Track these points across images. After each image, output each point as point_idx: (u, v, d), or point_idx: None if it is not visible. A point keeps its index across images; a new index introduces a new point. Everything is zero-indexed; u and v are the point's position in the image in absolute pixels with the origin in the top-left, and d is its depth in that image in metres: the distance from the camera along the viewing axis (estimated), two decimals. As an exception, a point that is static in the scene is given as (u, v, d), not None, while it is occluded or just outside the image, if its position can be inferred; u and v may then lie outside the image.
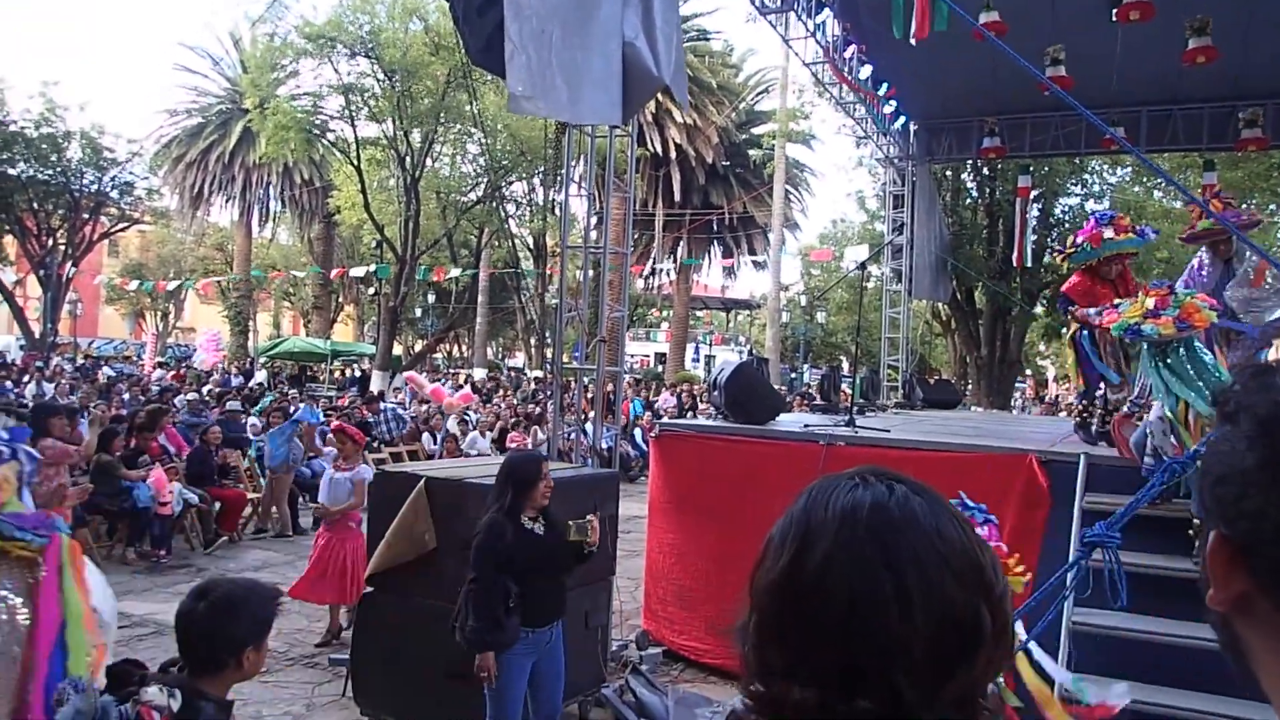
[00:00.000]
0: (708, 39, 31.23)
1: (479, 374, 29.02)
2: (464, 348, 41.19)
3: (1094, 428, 6.15)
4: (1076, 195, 21.48)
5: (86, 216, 26.68)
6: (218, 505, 9.77)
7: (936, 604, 0.86)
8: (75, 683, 2.22)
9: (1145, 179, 21.67)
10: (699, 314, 48.20)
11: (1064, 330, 7.46)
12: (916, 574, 0.86)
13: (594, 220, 6.87)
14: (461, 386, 20.90)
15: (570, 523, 4.23)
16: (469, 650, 3.96)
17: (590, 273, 7.42)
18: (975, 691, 0.89)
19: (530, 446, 13.51)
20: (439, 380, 21.76)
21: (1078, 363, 6.15)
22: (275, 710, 5.56)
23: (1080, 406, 6.43)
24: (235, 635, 2.38)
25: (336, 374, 27.39)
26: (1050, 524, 5.24)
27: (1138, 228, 6.19)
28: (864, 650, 0.85)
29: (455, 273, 26.05)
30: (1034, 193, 17.33)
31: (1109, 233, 5.95)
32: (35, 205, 25.64)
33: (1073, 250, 6.16)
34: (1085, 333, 5.95)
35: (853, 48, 11.37)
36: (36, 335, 26.80)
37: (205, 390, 18.88)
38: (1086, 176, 21.23)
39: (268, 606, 2.53)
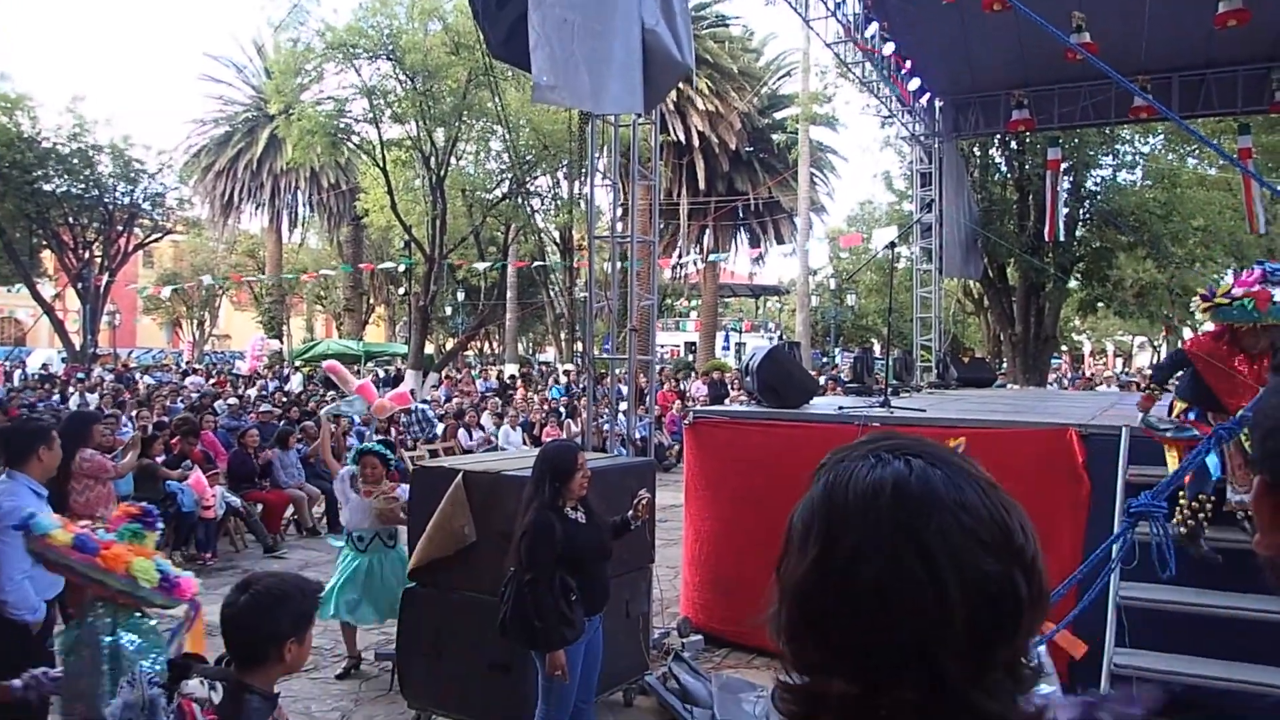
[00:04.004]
0: (726, 24, 31.03)
1: (510, 369, 29.14)
2: (495, 344, 41.38)
3: (1203, 534, 4.77)
4: (1108, 166, 21.09)
5: (120, 229, 27.08)
6: (259, 508, 9.91)
7: (971, 580, 0.84)
8: (130, 676, 2.26)
9: (1178, 146, 21.20)
10: (728, 301, 48.02)
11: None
12: (946, 554, 0.84)
13: (619, 211, 6.82)
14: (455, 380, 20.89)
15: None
16: (540, 649, 3.90)
17: (618, 263, 7.40)
18: (1019, 656, 0.88)
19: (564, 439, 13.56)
20: (458, 378, 21.79)
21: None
22: (324, 706, 5.63)
23: (1186, 511, 4.77)
24: (277, 628, 2.41)
25: (370, 375, 27.70)
26: (1094, 497, 5.16)
27: None
28: (903, 638, 0.84)
29: (481, 266, 26.33)
30: (1064, 165, 17.01)
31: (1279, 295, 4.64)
32: (70, 219, 26.07)
33: (1224, 303, 4.79)
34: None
35: (874, 25, 11.25)
36: (77, 347, 27.28)
37: (241, 395, 19.14)
38: (1118, 147, 20.84)
39: (310, 600, 2.56)
